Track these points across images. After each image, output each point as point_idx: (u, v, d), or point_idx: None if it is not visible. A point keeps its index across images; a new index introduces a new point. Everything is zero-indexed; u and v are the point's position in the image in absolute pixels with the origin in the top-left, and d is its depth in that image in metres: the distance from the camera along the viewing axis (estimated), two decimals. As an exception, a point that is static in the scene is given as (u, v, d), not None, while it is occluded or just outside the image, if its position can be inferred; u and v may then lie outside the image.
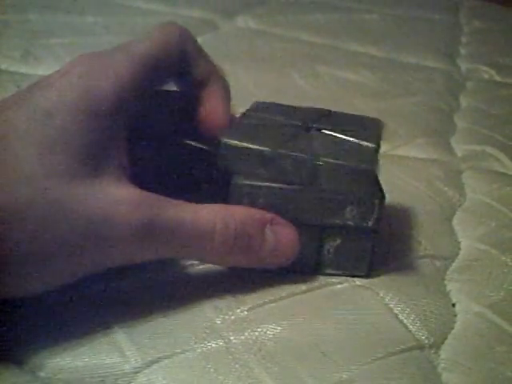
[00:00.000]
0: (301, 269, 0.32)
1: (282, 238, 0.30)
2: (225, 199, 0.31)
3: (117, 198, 0.26)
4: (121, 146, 0.28)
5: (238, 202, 0.31)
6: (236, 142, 0.31)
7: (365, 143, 0.33)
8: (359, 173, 0.30)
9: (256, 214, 0.30)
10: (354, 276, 0.32)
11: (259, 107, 0.36)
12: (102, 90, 0.27)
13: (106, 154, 0.27)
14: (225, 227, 0.29)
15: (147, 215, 0.27)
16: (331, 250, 0.32)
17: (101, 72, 0.28)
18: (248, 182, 0.31)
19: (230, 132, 0.31)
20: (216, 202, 0.30)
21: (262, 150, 0.30)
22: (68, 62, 0.29)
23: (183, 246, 0.28)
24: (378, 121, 0.36)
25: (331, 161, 0.30)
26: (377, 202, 0.31)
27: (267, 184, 0.31)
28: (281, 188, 0.31)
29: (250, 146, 0.31)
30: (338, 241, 0.32)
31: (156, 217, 0.27)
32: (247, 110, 0.35)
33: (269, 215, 0.30)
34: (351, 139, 0.33)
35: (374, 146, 0.32)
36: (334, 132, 0.33)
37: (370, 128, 0.35)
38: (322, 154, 0.31)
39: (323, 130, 0.33)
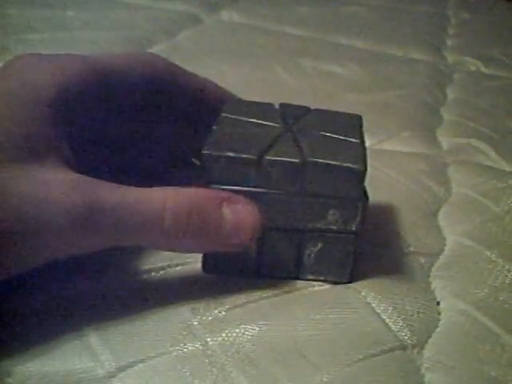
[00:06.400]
0: (280, 274, 0.31)
1: (241, 215, 0.28)
2: None
3: (51, 180, 0.25)
4: (62, 139, 0.28)
5: None
6: (218, 152, 0.29)
7: (350, 140, 0.31)
8: (349, 172, 0.29)
9: (211, 192, 0.29)
10: (335, 283, 0.31)
11: (234, 108, 0.34)
12: (41, 83, 0.28)
13: (45, 143, 0.26)
14: (176, 206, 0.27)
15: (86, 197, 0.25)
16: (312, 256, 0.31)
17: (42, 66, 0.28)
18: (225, 188, 0.29)
19: (210, 142, 0.30)
20: None
21: (246, 158, 0.29)
22: (12, 57, 0.29)
23: (130, 229, 0.26)
24: (357, 116, 0.35)
25: (320, 161, 0.29)
26: (360, 205, 0.30)
27: (246, 189, 0.29)
28: (259, 193, 0.29)
29: (234, 154, 0.29)
30: (320, 245, 0.30)
31: (96, 199, 0.25)
32: (222, 113, 0.33)
33: (225, 193, 0.29)
34: (336, 136, 0.32)
35: (359, 141, 0.31)
36: (317, 130, 0.32)
37: (351, 124, 0.34)
38: (310, 155, 0.29)
39: (305, 129, 0.32)
